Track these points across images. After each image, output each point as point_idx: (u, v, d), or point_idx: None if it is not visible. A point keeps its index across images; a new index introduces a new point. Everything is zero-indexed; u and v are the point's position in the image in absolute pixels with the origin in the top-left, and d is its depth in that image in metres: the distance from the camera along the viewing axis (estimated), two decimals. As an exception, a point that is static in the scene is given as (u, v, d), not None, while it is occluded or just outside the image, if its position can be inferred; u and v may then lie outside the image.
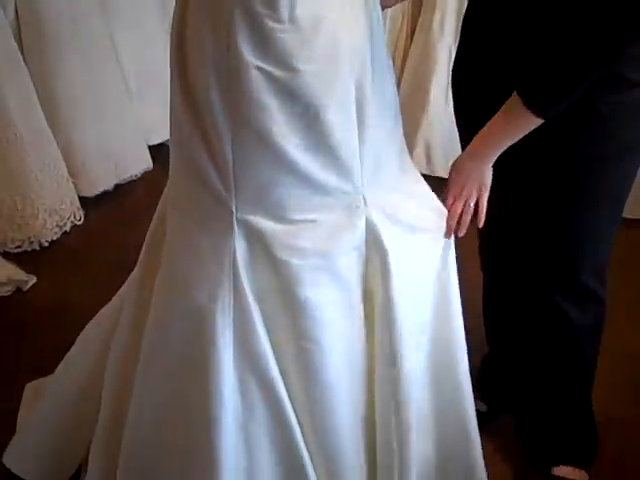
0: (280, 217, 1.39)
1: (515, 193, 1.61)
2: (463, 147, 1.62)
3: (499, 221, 1.64)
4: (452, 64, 1.72)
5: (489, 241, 1.82)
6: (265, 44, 1.30)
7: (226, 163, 1.35)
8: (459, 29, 2.95)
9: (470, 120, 1.59)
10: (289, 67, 1.31)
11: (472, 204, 1.50)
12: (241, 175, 1.36)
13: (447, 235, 1.51)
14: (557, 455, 1.89)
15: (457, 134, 3.02)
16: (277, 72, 1.31)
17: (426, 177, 2.94)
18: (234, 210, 1.38)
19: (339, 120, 1.36)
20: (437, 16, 3.08)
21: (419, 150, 3.12)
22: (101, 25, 2.86)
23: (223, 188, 1.37)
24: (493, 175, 1.49)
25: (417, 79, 3.15)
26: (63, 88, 2.78)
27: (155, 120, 2.98)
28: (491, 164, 1.48)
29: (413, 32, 3.23)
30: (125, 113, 3.03)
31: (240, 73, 1.31)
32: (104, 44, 2.89)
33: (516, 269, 1.72)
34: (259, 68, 1.31)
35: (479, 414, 1.81)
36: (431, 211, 1.54)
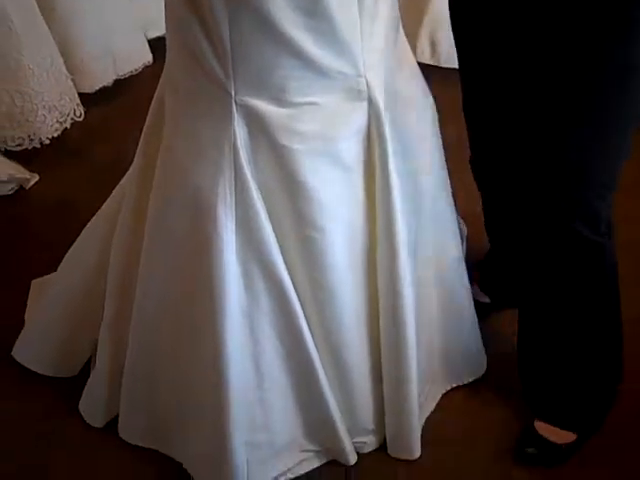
0: (281, 100, 1.36)
1: (529, 97, 1.43)
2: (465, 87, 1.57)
3: (502, 125, 1.51)
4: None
5: (488, 151, 1.64)
6: None
7: (224, 45, 1.31)
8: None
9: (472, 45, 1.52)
10: None
11: None
12: (239, 57, 1.32)
13: None
14: (555, 412, 1.69)
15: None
16: None
17: (431, 68, 2.93)
18: (233, 94, 1.35)
19: None
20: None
21: (423, 41, 3.05)
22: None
23: (221, 71, 1.34)
24: (508, 72, 1.41)
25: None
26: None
27: (154, 12, 2.89)
28: None
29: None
30: (123, 6, 2.95)
31: None
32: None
33: (520, 190, 1.52)
34: None
35: (481, 305, 1.84)
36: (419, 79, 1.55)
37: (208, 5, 1.29)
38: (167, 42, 1.44)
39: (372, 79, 1.39)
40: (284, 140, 1.37)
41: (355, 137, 1.41)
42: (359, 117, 1.40)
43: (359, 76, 1.38)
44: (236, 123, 1.37)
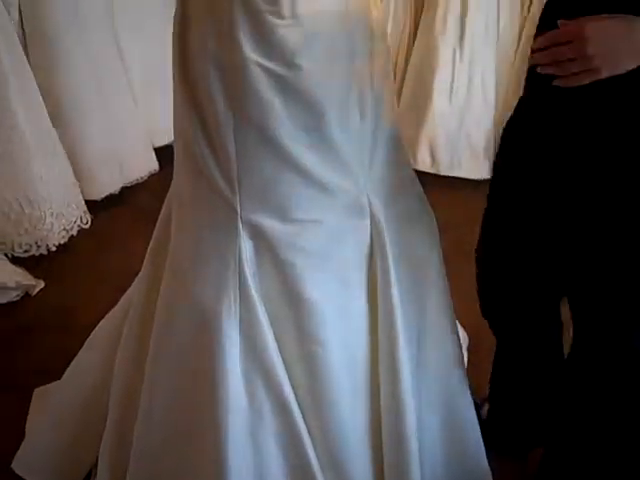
0: (284, 216, 1.39)
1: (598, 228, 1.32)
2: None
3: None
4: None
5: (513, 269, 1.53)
6: (267, 41, 1.30)
7: (229, 161, 1.35)
8: (461, 27, 2.98)
9: None
10: (291, 64, 1.31)
11: (587, 66, 1.12)
12: (244, 173, 1.36)
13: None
14: None
15: (462, 132, 3.05)
16: (279, 69, 1.31)
17: (431, 176, 2.99)
18: (238, 209, 1.39)
19: (342, 117, 1.36)
20: (439, 14, 3.07)
21: (423, 149, 3.12)
22: (106, 26, 2.87)
23: (227, 187, 1.38)
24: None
25: (420, 79, 3.15)
26: (68, 90, 2.78)
27: (161, 121, 2.97)
28: None
29: (416, 32, 3.23)
30: (131, 114, 3.04)
31: (241, 69, 1.31)
32: (109, 45, 2.89)
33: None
34: (260, 65, 1.31)
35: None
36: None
37: (213, 118, 1.34)
38: (175, 159, 1.49)
39: (374, 196, 1.43)
40: (287, 256, 1.40)
41: (357, 254, 1.44)
42: (361, 234, 1.43)
43: (361, 193, 1.42)
44: (241, 238, 1.40)
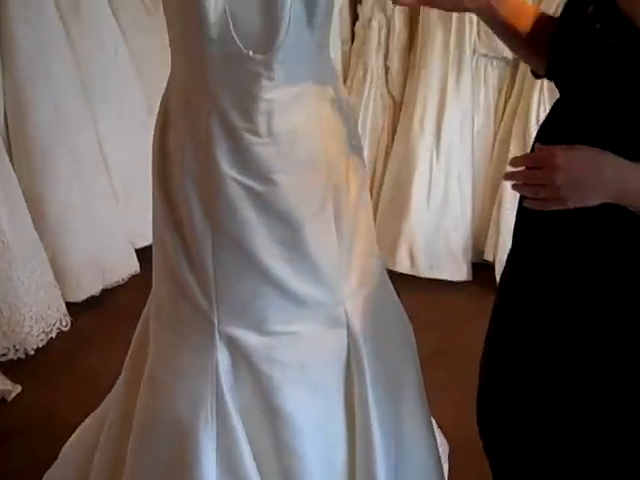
0: (261, 329, 1.40)
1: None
2: None
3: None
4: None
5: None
6: (243, 157, 1.34)
7: (207, 274, 1.37)
8: (438, 130, 3.06)
9: None
10: (267, 180, 1.35)
11: (555, 195, 1.14)
12: (222, 287, 1.38)
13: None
14: None
15: (440, 234, 3.08)
16: (255, 185, 1.35)
17: (410, 278, 3.00)
18: (216, 322, 1.40)
19: (318, 231, 1.39)
20: (417, 117, 3.15)
21: (402, 251, 3.14)
22: (89, 130, 2.92)
23: (205, 301, 1.39)
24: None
25: (398, 181, 3.20)
26: (52, 194, 2.82)
27: (142, 222, 3.00)
28: (612, 199, 1.15)
29: (394, 135, 3.31)
30: (113, 217, 3.06)
31: (218, 185, 1.34)
32: (92, 149, 2.94)
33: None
34: (237, 180, 1.34)
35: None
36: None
37: (191, 232, 1.36)
38: (154, 267, 1.50)
39: (351, 308, 1.44)
40: (264, 368, 1.40)
41: (334, 364, 1.45)
42: (338, 345, 1.44)
43: (338, 305, 1.43)
44: (218, 351, 1.40)
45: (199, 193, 1.36)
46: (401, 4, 1.36)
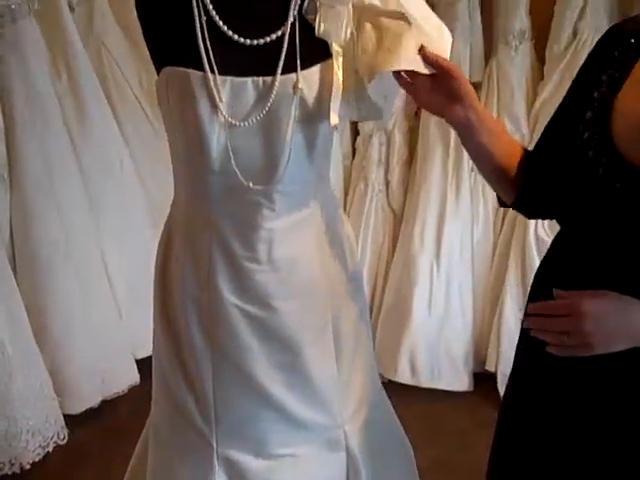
0: (260, 452, 1.40)
1: None
2: None
3: None
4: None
5: None
6: (244, 284, 1.37)
7: (206, 398, 1.38)
8: (438, 242, 3.10)
9: None
10: (267, 306, 1.37)
11: (582, 342, 1.15)
12: (222, 409, 1.38)
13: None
14: None
15: (442, 345, 3.08)
16: (256, 311, 1.37)
17: (411, 388, 2.98)
18: (215, 445, 1.39)
19: (318, 356, 1.40)
20: (417, 230, 3.20)
21: (403, 361, 3.14)
22: (92, 241, 2.95)
23: (203, 423, 1.39)
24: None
25: (399, 292, 3.22)
26: (54, 307, 2.82)
27: (143, 333, 3.00)
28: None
29: (395, 247, 3.35)
30: (114, 328, 3.07)
31: (219, 311, 1.37)
32: (94, 260, 2.97)
33: None
34: (238, 307, 1.36)
35: None
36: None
37: (192, 358, 1.37)
38: (153, 385, 1.50)
39: (350, 430, 1.44)
40: None
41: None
42: (337, 467, 1.44)
43: (337, 427, 1.44)
44: (217, 476, 1.39)
45: (199, 318, 1.38)
46: (402, 85, 1.37)
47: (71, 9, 2.82)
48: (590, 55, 1.34)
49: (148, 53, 1.42)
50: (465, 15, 2.90)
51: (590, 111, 1.26)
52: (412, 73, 1.33)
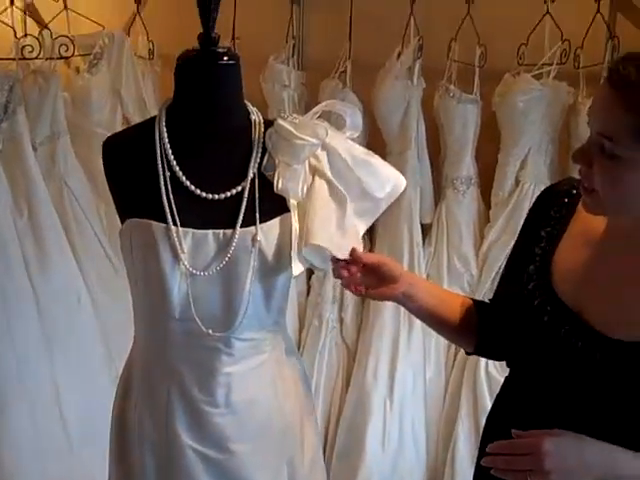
0: None
1: None
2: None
3: None
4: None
5: None
6: (202, 427, 1.40)
7: None
8: (392, 377, 3.14)
9: None
10: (225, 449, 1.40)
11: (544, 476, 1.19)
12: None
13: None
14: None
15: (396, 478, 3.07)
16: (213, 454, 1.39)
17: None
18: None
19: None
20: (370, 365, 3.23)
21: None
22: (49, 384, 2.90)
23: None
24: None
25: (353, 428, 3.21)
26: (5, 447, 2.76)
27: (96, 473, 2.93)
28: None
29: (349, 382, 3.37)
30: (66, 469, 2.98)
31: (177, 454, 1.39)
32: (50, 401, 2.90)
33: None
34: (196, 450, 1.39)
35: None
36: None
37: None
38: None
39: None
40: None
41: None
42: None
43: None
44: None
45: (157, 462, 1.39)
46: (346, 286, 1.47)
47: (34, 148, 2.90)
48: (531, 211, 1.47)
49: (109, 193, 1.49)
50: (414, 162, 3.04)
51: (533, 265, 1.37)
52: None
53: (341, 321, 3.33)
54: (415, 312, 1.51)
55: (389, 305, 3.16)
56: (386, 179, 1.48)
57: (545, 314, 1.31)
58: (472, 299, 1.54)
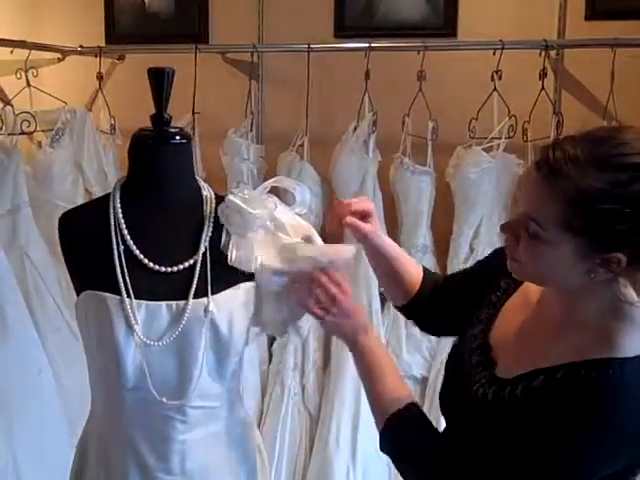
0: None
1: None
2: None
3: None
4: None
5: None
6: None
7: None
8: (354, 444, 3.15)
9: None
10: None
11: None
12: None
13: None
14: None
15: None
16: None
17: None
18: None
19: None
20: (333, 432, 3.24)
21: None
22: (6, 450, 2.87)
23: None
24: None
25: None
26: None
27: None
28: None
29: (312, 449, 3.37)
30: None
31: None
32: (7, 471, 2.88)
33: None
34: None
35: None
36: None
37: None
38: None
39: None
40: None
41: None
42: None
43: None
44: None
45: None
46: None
47: (-5, 220, 2.94)
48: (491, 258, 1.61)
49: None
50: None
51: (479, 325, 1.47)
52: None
53: (303, 388, 3.35)
54: (371, 251, 1.64)
55: (350, 372, 3.19)
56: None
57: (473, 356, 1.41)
58: (423, 267, 1.70)
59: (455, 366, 1.47)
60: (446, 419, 1.46)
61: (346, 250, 1.48)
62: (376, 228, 1.61)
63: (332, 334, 1.64)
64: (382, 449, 1.45)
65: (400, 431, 1.41)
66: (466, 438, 1.32)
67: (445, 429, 1.45)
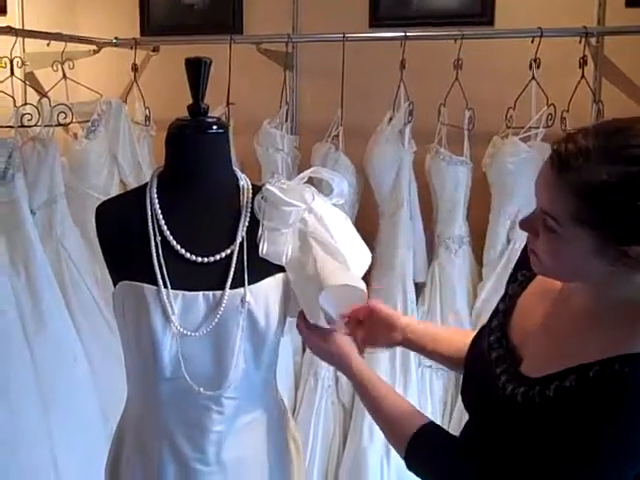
0: None
1: None
2: None
3: None
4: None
5: None
6: None
7: None
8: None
9: None
10: None
11: None
12: None
13: None
14: None
15: None
16: None
17: None
18: None
19: None
20: (366, 423, 3.22)
21: None
22: (44, 445, 2.88)
23: None
24: None
25: (350, 487, 3.20)
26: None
27: None
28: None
29: (345, 441, 3.36)
30: None
31: None
32: (45, 462, 2.89)
33: None
34: None
35: None
36: None
37: None
38: None
39: None
40: None
41: None
42: None
43: None
44: None
45: None
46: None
47: (32, 213, 2.96)
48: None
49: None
50: (407, 222, 3.09)
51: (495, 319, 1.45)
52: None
53: (336, 379, 3.34)
54: (418, 351, 1.68)
55: (384, 363, 3.17)
56: (359, 252, 1.55)
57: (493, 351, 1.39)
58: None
59: (474, 361, 1.46)
60: (470, 416, 1.44)
61: (357, 298, 1.54)
62: (397, 324, 1.64)
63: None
64: (410, 470, 1.45)
65: (422, 456, 1.43)
66: (494, 439, 1.30)
67: (468, 427, 1.44)
